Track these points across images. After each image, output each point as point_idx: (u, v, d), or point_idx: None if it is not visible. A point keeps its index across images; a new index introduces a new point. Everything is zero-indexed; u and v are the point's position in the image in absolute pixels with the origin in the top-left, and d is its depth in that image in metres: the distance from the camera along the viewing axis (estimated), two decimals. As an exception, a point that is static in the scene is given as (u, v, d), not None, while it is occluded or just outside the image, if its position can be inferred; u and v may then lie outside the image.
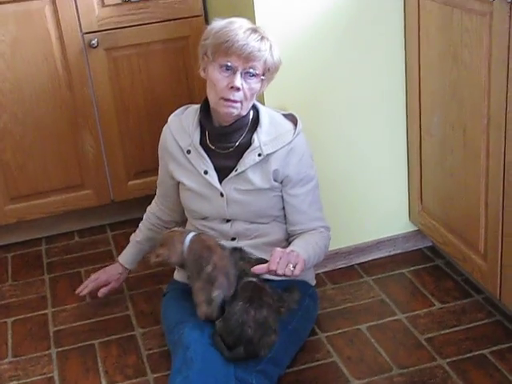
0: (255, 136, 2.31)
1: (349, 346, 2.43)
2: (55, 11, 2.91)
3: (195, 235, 2.32)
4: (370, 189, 2.80)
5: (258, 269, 2.16)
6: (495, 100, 2.19)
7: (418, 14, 2.51)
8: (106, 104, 3.09)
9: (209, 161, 2.35)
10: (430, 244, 2.92)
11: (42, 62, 2.97)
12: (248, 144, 2.32)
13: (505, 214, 2.26)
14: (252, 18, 2.45)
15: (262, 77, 2.26)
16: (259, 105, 2.38)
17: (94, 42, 2.97)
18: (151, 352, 2.49)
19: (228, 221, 2.40)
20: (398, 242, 2.91)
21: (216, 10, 3.00)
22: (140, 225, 2.70)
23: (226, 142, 2.34)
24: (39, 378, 2.42)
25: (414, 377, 2.27)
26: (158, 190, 2.60)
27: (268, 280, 2.30)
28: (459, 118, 2.40)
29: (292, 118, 2.38)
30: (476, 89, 2.27)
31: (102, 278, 2.71)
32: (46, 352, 2.54)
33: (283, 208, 2.41)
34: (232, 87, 2.21)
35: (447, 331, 2.45)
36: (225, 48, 2.20)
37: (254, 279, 2.24)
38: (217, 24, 2.26)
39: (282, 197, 2.39)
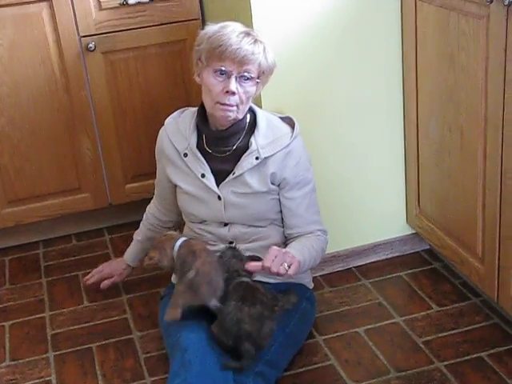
0: (253, 139, 2.32)
1: (346, 349, 2.43)
2: (52, 15, 2.91)
3: (185, 240, 2.33)
4: (367, 191, 2.80)
5: (252, 265, 2.18)
6: (492, 102, 2.19)
7: (415, 17, 2.51)
8: (104, 107, 3.09)
9: (206, 164, 2.35)
10: (428, 247, 2.92)
11: (40, 65, 2.96)
12: (245, 147, 2.32)
13: (502, 216, 2.26)
14: (249, 21, 2.45)
15: (257, 80, 2.26)
16: (256, 108, 2.38)
17: (91, 45, 2.97)
18: (149, 355, 2.48)
19: (226, 225, 2.40)
20: (395, 244, 2.91)
21: (213, 13, 3.00)
22: (141, 224, 2.72)
23: (223, 145, 2.34)
24: (37, 381, 2.42)
25: (411, 380, 2.26)
26: (155, 190, 2.61)
27: (265, 283, 2.31)
28: (456, 121, 2.40)
29: (289, 121, 2.39)
30: (473, 91, 2.27)
31: (106, 271, 2.80)
32: (44, 355, 2.53)
33: (280, 211, 2.41)
34: (227, 92, 2.21)
35: (445, 334, 2.45)
36: (218, 53, 2.20)
37: (247, 279, 2.23)
38: (210, 29, 2.27)
39: (280, 200, 2.39)
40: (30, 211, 3.16)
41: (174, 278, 2.51)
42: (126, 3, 2.96)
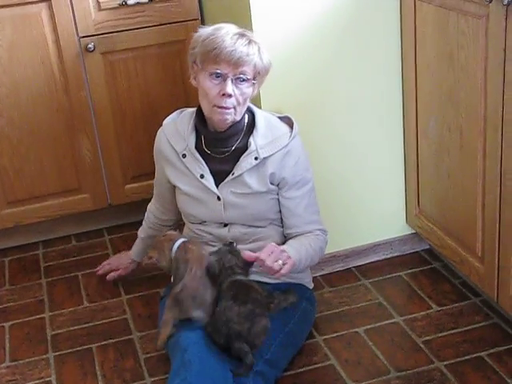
0: (251, 139, 2.31)
1: (346, 349, 2.43)
2: (52, 15, 2.91)
3: (183, 242, 2.34)
4: (366, 191, 2.80)
5: (248, 254, 2.20)
6: (492, 102, 2.19)
7: (415, 17, 2.51)
8: (103, 108, 3.09)
9: (205, 165, 2.34)
10: (427, 247, 2.92)
11: (39, 66, 2.96)
12: (244, 148, 2.32)
13: (502, 216, 2.26)
14: (248, 21, 2.45)
15: (253, 81, 2.26)
16: (255, 108, 2.38)
17: (90, 45, 2.97)
18: (149, 356, 2.48)
19: (225, 225, 2.40)
20: (395, 244, 2.91)
21: (212, 13, 3.00)
22: (143, 222, 2.74)
23: (222, 146, 2.34)
24: (37, 382, 2.42)
25: (411, 380, 2.26)
26: (154, 190, 2.62)
27: (263, 283, 2.31)
28: (456, 120, 2.40)
29: (288, 121, 2.38)
30: (472, 91, 2.27)
31: (114, 264, 2.88)
32: (44, 356, 2.53)
33: (280, 211, 2.41)
34: (224, 94, 2.21)
35: (445, 334, 2.45)
36: (213, 56, 2.19)
37: (241, 277, 2.23)
38: (203, 31, 2.26)
39: (279, 200, 2.39)
40: (29, 212, 3.16)
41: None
42: (125, 4, 2.96)
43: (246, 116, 2.35)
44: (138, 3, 2.98)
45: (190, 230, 2.47)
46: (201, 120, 2.35)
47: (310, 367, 2.36)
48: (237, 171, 2.32)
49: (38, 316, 2.76)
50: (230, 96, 2.21)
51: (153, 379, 2.37)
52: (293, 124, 2.37)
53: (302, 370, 2.35)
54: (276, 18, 2.47)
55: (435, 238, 2.70)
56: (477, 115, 2.27)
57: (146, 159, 3.11)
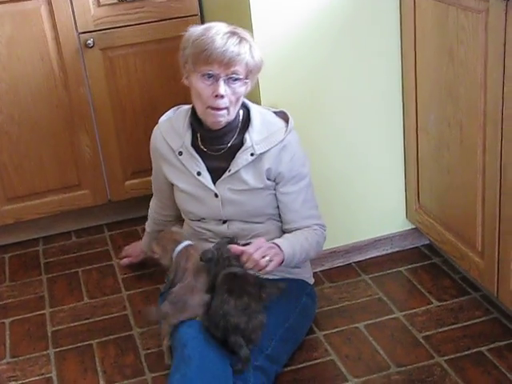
0: (247, 136, 2.31)
1: (346, 345, 2.43)
2: (51, 11, 2.91)
3: (185, 247, 2.34)
4: (366, 187, 2.79)
5: (235, 247, 2.20)
6: (491, 97, 2.19)
7: (414, 12, 2.50)
8: (103, 104, 3.08)
9: (201, 162, 2.34)
10: (428, 242, 2.92)
11: (38, 62, 2.96)
12: (240, 144, 2.32)
13: (502, 211, 2.26)
14: (247, 17, 2.45)
15: (246, 80, 2.24)
16: (250, 103, 2.37)
17: (89, 41, 2.97)
18: (149, 352, 2.49)
19: (224, 222, 2.40)
20: (395, 240, 2.91)
21: (212, 9, 3.00)
22: (148, 217, 2.77)
23: (218, 143, 2.34)
24: (37, 378, 2.42)
25: (411, 375, 2.27)
26: (152, 186, 2.62)
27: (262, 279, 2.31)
28: (455, 116, 2.40)
29: (283, 116, 2.38)
30: (472, 86, 2.27)
31: (128, 251, 2.99)
32: (44, 352, 2.54)
33: (278, 206, 2.41)
34: (217, 95, 2.20)
35: (445, 329, 2.45)
36: (204, 57, 2.18)
37: (236, 270, 2.23)
38: (194, 32, 2.24)
39: (276, 195, 2.39)
40: (29, 208, 3.16)
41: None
42: (125, -1, 2.97)
43: (241, 112, 2.34)
44: (137, -1, 2.99)
45: (190, 227, 2.47)
46: (196, 118, 2.34)
47: (311, 363, 2.37)
48: (233, 168, 2.32)
49: (38, 312, 2.76)
50: (222, 97, 2.21)
51: (153, 375, 2.38)
52: (288, 119, 2.36)
53: (302, 365, 2.35)
54: (276, 14, 2.46)
55: (435, 233, 2.70)
56: (477, 110, 2.27)
57: (145, 155, 3.08)
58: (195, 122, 2.34)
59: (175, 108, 2.46)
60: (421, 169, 2.71)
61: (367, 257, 2.89)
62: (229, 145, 2.33)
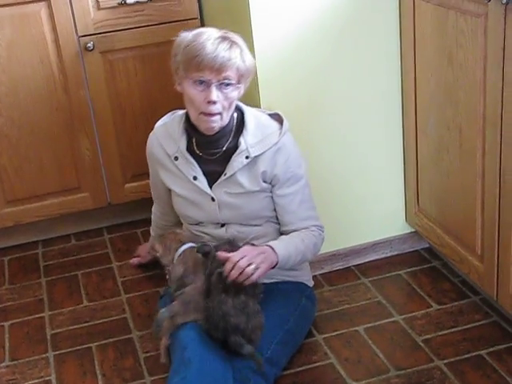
0: (242, 139, 2.31)
1: (346, 348, 2.43)
2: (51, 14, 2.91)
3: (188, 249, 2.35)
4: (366, 190, 2.79)
5: (221, 254, 2.20)
6: (491, 100, 2.19)
7: (414, 16, 2.51)
8: (102, 107, 3.09)
9: (197, 166, 2.34)
10: (427, 245, 2.92)
11: (38, 65, 2.96)
12: (235, 147, 2.32)
13: (501, 214, 2.26)
14: (247, 20, 2.45)
15: (238, 85, 2.24)
16: (244, 106, 2.37)
17: (89, 44, 2.97)
18: (148, 355, 2.48)
19: (222, 225, 2.40)
20: (394, 243, 2.91)
21: (211, 12, 3.00)
22: (152, 222, 2.78)
23: (213, 148, 2.33)
24: (37, 381, 2.42)
25: (411, 378, 2.27)
26: (152, 193, 2.63)
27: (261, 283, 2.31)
28: (455, 119, 2.40)
29: (278, 118, 2.37)
30: (471, 89, 2.27)
31: (138, 251, 3.03)
32: (44, 355, 2.54)
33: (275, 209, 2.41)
34: (209, 101, 2.20)
35: (444, 332, 2.45)
36: (196, 63, 2.17)
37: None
38: (184, 38, 2.24)
39: (272, 198, 2.39)
40: (29, 211, 3.16)
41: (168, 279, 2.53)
42: (125, 3, 2.96)
43: (235, 115, 2.34)
44: (137, 2, 2.98)
45: (189, 230, 2.48)
46: (190, 123, 2.33)
47: (310, 366, 2.36)
48: (229, 171, 2.32)
49: (37, 315, 2.76)
50: (215, 103, 2.20)
51: (152, 378, 2.37)
52: (283, 121, 2.36)
53: (301, 368, 2.35)
54: (275, 17, 2.47)
55: (435, 236, 2.70)
56: (476, 114, 2.27)
57: (145, 158, 3.07)
58: (190, 126, 2.34)
59: (171, 113, 2.46)
60: (420, 172, 2.71)
61: (367, 260, 2.88)
62: (224, 148, 2.33)
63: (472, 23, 2.20)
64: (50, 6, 2.90)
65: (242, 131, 2.32)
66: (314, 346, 2.45)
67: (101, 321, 2.69)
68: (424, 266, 2.83)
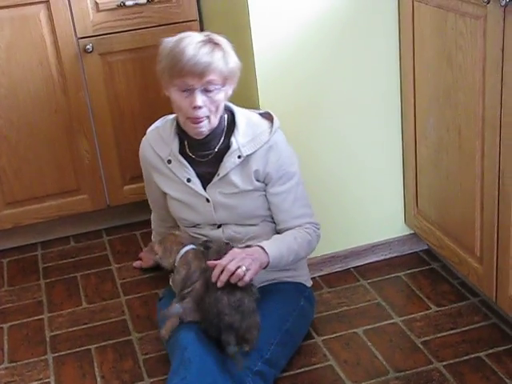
0: (233, 139, 2.31)
1: (345, 350, 2.43)
2: (50, 16, 2.91)
3: (189, 251, 2.35)
4: (365, 192, 2.80)
5: (211, 263, 2.20)
6: (490, 102, 2.19)
7: (413, 18, 2.51)
8: (101, 109, 3.09)
9: (190, 168, 2.35)
10: (426, 247, 2.92)
11: (37, 67, 2.96)
12: (227, 148, 2.32)
13: (500, 216, 2.27)
14: (246, 22, 2.45)
15: (223, 88, 2.23)
16: (234, 107, 2.37)
17: (88, 46, 2.97)
18: (148, 356, 2.48)
19: (219, 226, 2.40)
20: (393, 245, 2.91)
21: (210, 14, 3.00)
22: (152, 230, 2.79)
23: (205, 149, 2.34)
24: (36, 383, 2.42)
25: (410, 380, 2.26)
26: (148, 199, 2.65)
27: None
28: (454, 121, 2.40)
29: (268, 116, 2.37)
30: (470, 91, 2.28)
31: (141, 254, 3.03)
32: (43, 357, 2.53)
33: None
34: (195, 107, 2.20)
35: (443, 334, 2.45)
36: (178, 69, 2.17)
37: None
38: (167, 44, 2.24)
39: (266, 196, 2.39)
40: (28, 213, 3.15)
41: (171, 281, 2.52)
42: (124, 5, 2.97)
43: (226, 116, 2.34)
44: (136, 4, 2.99)
45: (186, 233, 2.47)
46: (181, 127, 2.34)
47: (309, 368, 2.36)
48: (222, 172, 2.32)
49: (36, 317, 2.76)
50: (200, 108, 2.20)
51: (152, 380, 2.37)
52: (273, 119, 2.36)
53: (300, 370, 2.35)
54: (274, 18, 2.47)
55: (434, 238, 2.71)
56: (475, 115, 2.28)
57: (144, 160, 3.11)
58: (181, 130, 2.34)
59: (162, 118, 2.47)
60: (419, 174, 2.71)
61: (366, 262, 2.88)
62: (216, 149, 2.33)
63: (471, 25, 2.20)
64: (49, 8, 2.90)
65: (233, 131, 2.32)
66: (313, 347, 2.45)
67: (100, 323, 2.69)
68: (423, 268, 2.83)
